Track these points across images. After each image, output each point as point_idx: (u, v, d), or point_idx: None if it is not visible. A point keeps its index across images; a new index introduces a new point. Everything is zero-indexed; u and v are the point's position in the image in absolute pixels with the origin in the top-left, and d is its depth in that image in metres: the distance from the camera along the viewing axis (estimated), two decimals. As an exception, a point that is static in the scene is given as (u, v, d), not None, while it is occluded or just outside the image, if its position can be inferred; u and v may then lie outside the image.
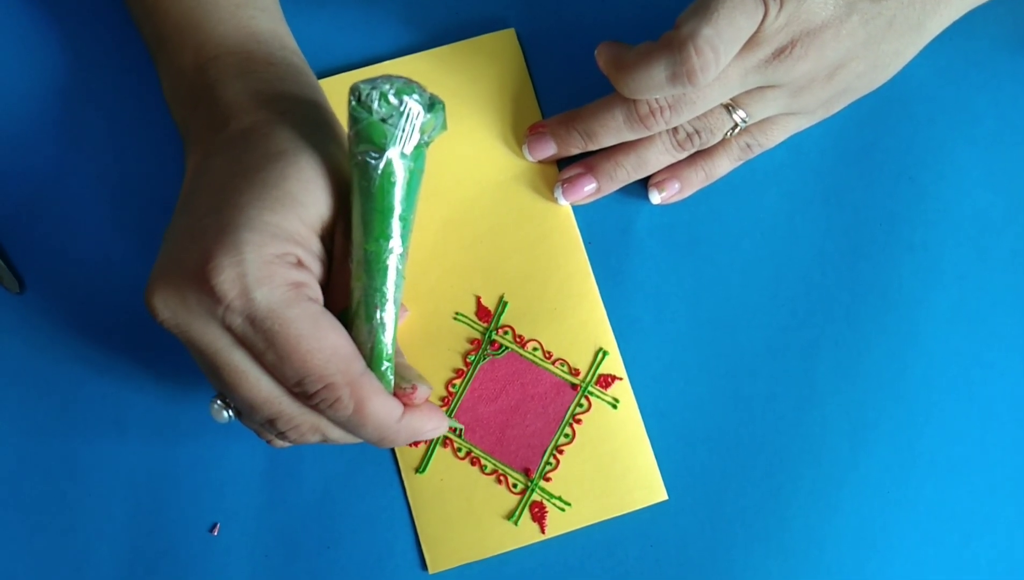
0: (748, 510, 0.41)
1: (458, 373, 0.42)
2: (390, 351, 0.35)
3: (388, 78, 0.32)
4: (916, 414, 0.41)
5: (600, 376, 0.42)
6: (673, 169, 0.42)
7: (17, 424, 0.43)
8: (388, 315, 0.34)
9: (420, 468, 0.41)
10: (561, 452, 0.41)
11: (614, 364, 0.42)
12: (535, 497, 0.41)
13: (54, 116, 0.46)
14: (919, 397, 0.41)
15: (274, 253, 0.32)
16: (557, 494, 0.41)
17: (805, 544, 0.40)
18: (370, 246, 0.33)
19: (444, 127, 0.33)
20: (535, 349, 0.42)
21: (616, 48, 0.38)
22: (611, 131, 0.40)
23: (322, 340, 0.32)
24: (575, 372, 0.42)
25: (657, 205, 0.43)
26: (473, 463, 0.41)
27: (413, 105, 0.32)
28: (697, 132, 0.40)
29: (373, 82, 0.32)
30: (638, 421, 0.41)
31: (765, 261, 0.43)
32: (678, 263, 0.43)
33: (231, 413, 0.36)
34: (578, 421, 0.41)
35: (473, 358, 0.42)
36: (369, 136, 0.32)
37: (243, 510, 0.42)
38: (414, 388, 0.36)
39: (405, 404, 0.35)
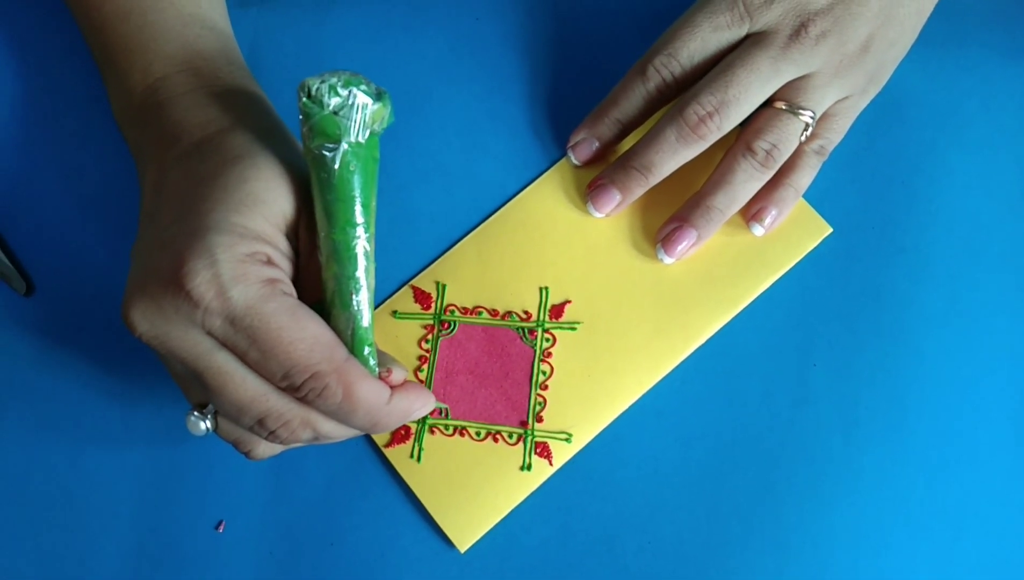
0: (742, 506, 0.41)
1: (421, 360, 0.43)
2: (370, 336, 0.35)
3: (335, 72, 0.33)
4: (908, 413, 0.42)
5: (552, 308, 0.43)
6: (763, 197, 0.42)
7: (25, 423, 0.43)
8: (363, 300, 0.34)
9: (412, 456, 0.42)
10: (545, 388, 0.42)
11: (559, 292, 0.43)
12: (537, 439, 0.42)
13: (64, 118, 0.47)
14: (911, 397, 0.42)
15: (245, 252, 0.32)
16: (556, 430, 0.42)
17: (799, 541, 0.41)
18: (337, 236, 0.33)
19: (393, 117, 0.34)
20: (481, 313, 0.43)
21: (590, 119, 0.43)
22: (667, 154, 0.40)
23: (303, 330, 0.32)
24: (528, 316, 0.43)
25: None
26: (462, 435, 0.42)
27: (361, 96, 0.32)
28: (775, 145, 0.40)
29: (321, 76, 0.32)
30: (601, 333, 0.43)
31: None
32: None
33: (208, 424, 0.36)
34: (549, 354, 0.42)
35: (428, 342, 0.43)
36: (323, 129, 0.32)
37: (248, 508, 0.42)
38: (389, 371, 0.36)
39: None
